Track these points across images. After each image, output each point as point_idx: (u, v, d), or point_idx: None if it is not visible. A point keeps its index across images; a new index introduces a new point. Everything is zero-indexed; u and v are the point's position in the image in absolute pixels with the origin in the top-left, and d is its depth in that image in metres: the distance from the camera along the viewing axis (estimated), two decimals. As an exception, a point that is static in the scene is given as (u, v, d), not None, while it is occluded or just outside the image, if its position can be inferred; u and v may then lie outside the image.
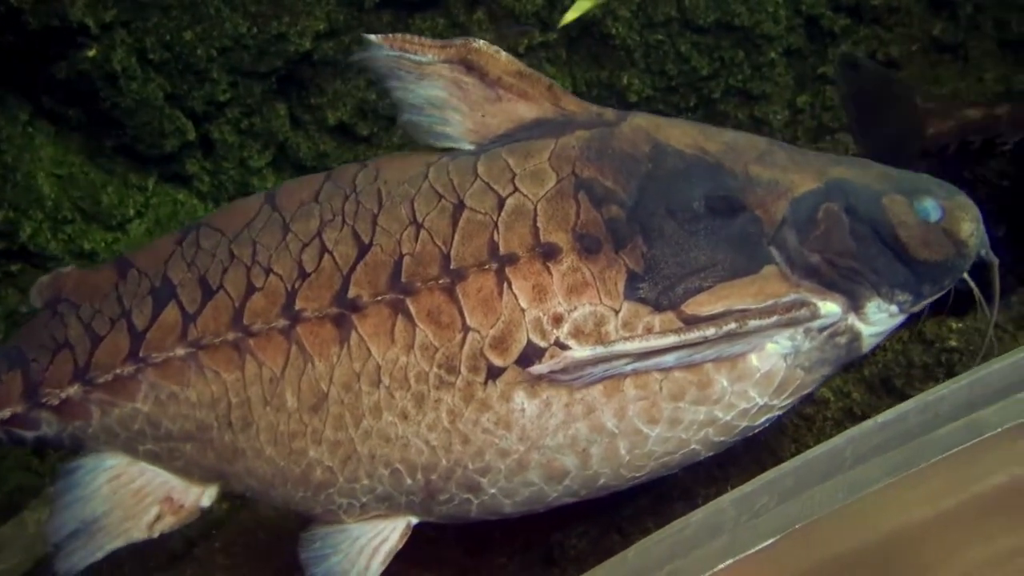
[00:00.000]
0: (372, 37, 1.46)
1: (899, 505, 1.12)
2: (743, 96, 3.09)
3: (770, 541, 1.11)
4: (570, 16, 2.56)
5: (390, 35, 1.47)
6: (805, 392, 1.50)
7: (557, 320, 1.38)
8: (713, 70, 3.08)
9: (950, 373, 1.72)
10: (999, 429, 1.07)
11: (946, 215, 1.46)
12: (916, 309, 1.49)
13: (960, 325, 1.81)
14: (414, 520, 1.52)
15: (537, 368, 1.36)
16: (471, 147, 1.51)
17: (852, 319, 1.45)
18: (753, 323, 1.35)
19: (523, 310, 1.38)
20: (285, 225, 1.50)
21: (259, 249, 1.50)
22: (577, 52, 3.12)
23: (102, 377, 1.53)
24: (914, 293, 1.47)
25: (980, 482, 1.09)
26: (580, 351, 1.34)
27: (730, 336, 1.35)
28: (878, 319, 1.46)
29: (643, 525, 1.76)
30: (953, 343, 1.78)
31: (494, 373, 1.38)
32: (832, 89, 2.95)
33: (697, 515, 1.24)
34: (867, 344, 1.50)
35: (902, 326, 1.54)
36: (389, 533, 1.50)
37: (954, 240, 1.46)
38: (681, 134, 1.49)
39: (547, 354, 1.37)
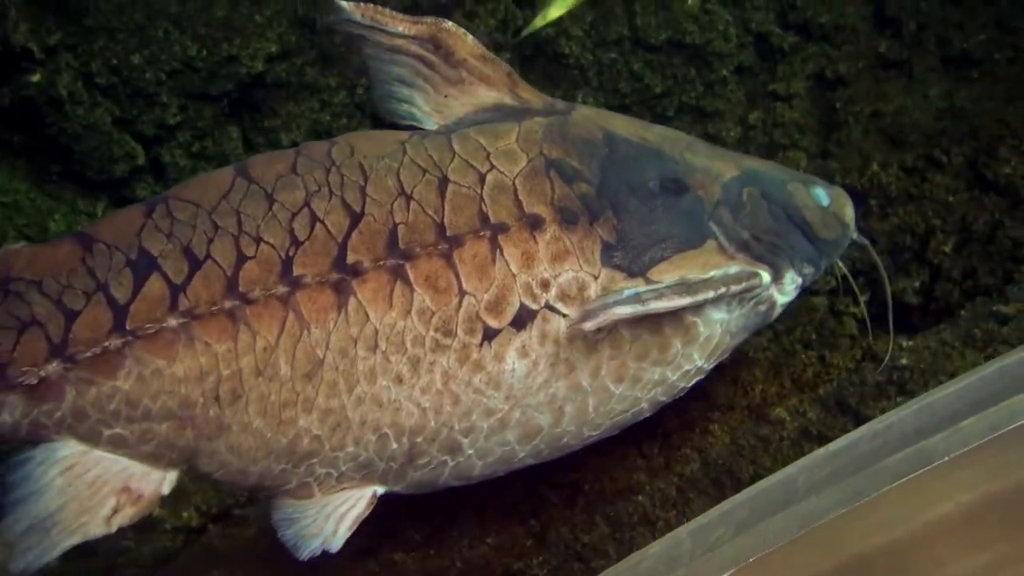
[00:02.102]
0: (344, 4, 1.50)
1: (852, 534, 1.13)
2: (696, 113, 3.12)
3: (727, 574, 1.12)
4: (539, 23, 2.62)
5: (362, 4, 1.52)
6: (724, 357, 1.69)
7: (545, 285, 1.50)
8: (666, 88, 3.11)
9: (902, 391, 1.74)
10: (946, 457, 1.09)
11: (833, 201, 1.72)
12: (808, 283, 1.73)
13: (911, 343, 1.84)
14: (380, 490, 1.57)
15: (588, 324, 1.46)
16: (434, 126, 1.61)
17: (773, 289, 1.65)
18: (734, 288, 1.53)
19: (514, 275, 1.49)
20: (269, 196, 1.51)
21: (244, 219, 1.49)
22: (531, 71, 3.12)
23: (86, 352, 1.46)
24: (815, 267, 1.70)
25: (929, 510, 1.11)
26: (622, 307, 1.46)
27: (720, 298, 1.53)
28: (789, 289, 1.68)
29: (603, 550, 1.75)
30: (904, 361, 1.80)
31: (490, 335, 1.47)
32: (783, 106, 2.99)
33: (655, 547, 1.25)
34: (777, 312, 1.70)
35: (797, 298, 1.77)
36: (356, 501, 1.55)
37: (841, 222, 1.72)
38: (624, 124, 1.66)
39: (539, 316, 1.49)
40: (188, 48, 2.97)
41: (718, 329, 1.59)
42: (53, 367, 1.46)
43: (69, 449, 1.50)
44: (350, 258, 1.46)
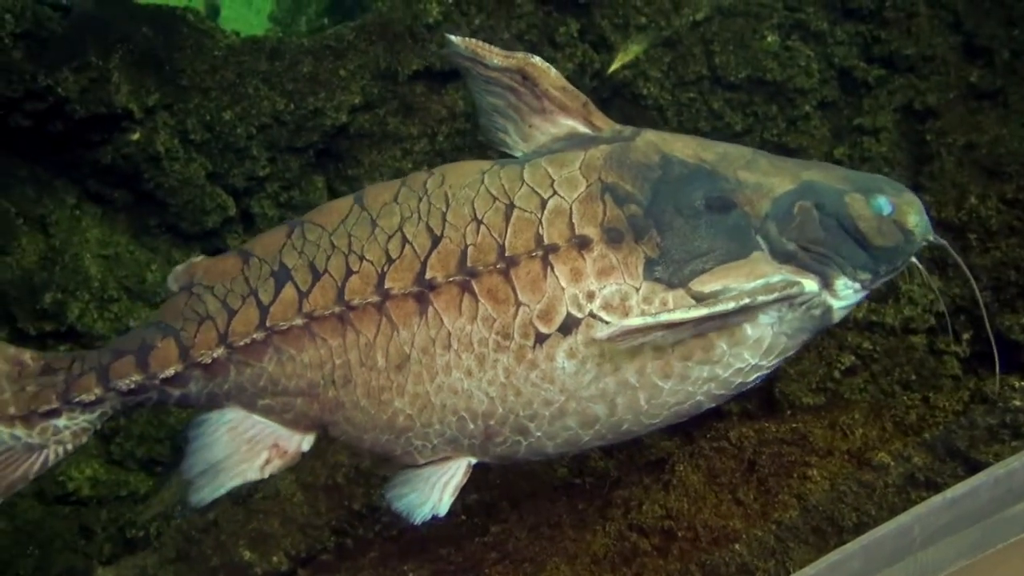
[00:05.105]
0: (453, 38, 1.80)
1: (976, 588, 1.06)
2: (779, 150, 3.06)
3: (840, 630, 1.06)
4: (616, 64, 2.69)
5: (466, 39, 1.80)
6: (788, 354, 1.80)
7: (590, 296, 1.70)
8: (747, 125, 3.07)
9: (1016, 435, 1.65)
10: (1080, 506, 1.01)
11: (896, 209, 1.79)
12: (875, 286, 1.81)
13: (1023, 384, 1.74)
14: (473, 460, 1.84)
15: (600, 334, 1.65)
16: (519, 154, 1.87)
17: (825, 295, 1.76)
18: (761, 299, 1.66)
19: (563, 288, 1.71)
20: (373, 221, 1.85)
21: (353, 240, 1.85)
22: (609, 113, 3.12)
23: (240, 341, 1.86)
24: (873, 272, 1.78)
25: (1063, 563, 1.03)
26: (632, 320, 1.65)
27: (744, 310, 1.65)
28: (846, 294, 1.78)
29: (701, 602, 1.69)
30: (1018, 402, 1.71)
31: (541, 338, 1.72)
32: (869, 140, 2.92)
33: (760, 600, 1.19)
34: (837, 315, 1.80)
35: (864, 300, 1.84)
36: (455, 471, 1.83)
37: (903, 229, 1.79)
38: (683, 146, 1.82)
39: (583, 323, 1.70)
40: (277, 103, 3.09)
41: (768, 331, 1.72)
42: (220, 351, 1.87)
43: (234, 414, 1.92)
44: (428, 274, 1.76)
